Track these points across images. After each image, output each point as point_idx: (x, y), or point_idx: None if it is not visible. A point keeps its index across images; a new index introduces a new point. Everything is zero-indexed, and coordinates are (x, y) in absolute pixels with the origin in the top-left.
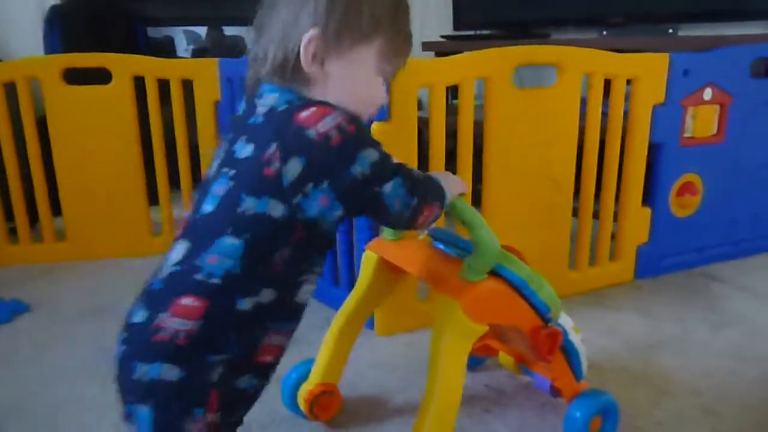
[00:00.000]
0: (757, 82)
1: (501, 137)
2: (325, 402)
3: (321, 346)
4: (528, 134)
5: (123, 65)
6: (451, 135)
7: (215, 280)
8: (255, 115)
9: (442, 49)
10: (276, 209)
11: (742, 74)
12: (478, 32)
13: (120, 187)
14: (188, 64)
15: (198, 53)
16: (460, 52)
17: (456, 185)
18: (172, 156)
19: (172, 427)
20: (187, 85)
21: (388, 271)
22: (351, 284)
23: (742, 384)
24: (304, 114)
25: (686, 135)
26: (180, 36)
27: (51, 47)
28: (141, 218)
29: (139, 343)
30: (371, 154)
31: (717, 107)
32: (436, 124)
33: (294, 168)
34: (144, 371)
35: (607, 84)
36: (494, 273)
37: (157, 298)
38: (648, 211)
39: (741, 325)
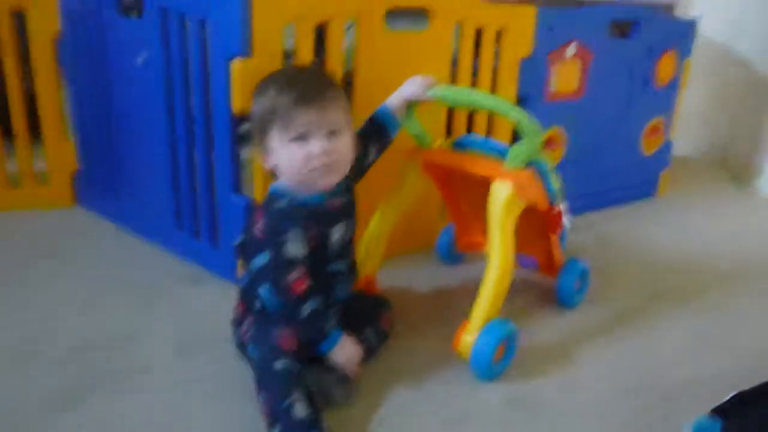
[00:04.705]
0: (613, 41)
1: (370, 79)
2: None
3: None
4: (397, 77)
5: None
6: None
7: None
8: None
9: None
10: None
11: (601, 33)
12: None
13: None
14: None
15: None
16: None
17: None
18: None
19: None
20: (20, 18)
21: (425, 178)
22: (211, 237)
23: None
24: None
25: (551, 89)
26: None
27: None
28: None
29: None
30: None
31: (579, 63)
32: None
33: None
34: None
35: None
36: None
37: None
38: None
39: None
